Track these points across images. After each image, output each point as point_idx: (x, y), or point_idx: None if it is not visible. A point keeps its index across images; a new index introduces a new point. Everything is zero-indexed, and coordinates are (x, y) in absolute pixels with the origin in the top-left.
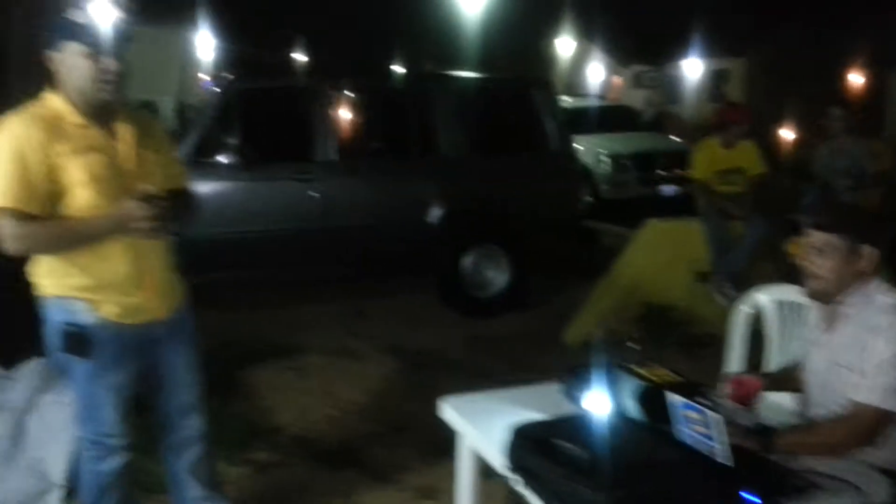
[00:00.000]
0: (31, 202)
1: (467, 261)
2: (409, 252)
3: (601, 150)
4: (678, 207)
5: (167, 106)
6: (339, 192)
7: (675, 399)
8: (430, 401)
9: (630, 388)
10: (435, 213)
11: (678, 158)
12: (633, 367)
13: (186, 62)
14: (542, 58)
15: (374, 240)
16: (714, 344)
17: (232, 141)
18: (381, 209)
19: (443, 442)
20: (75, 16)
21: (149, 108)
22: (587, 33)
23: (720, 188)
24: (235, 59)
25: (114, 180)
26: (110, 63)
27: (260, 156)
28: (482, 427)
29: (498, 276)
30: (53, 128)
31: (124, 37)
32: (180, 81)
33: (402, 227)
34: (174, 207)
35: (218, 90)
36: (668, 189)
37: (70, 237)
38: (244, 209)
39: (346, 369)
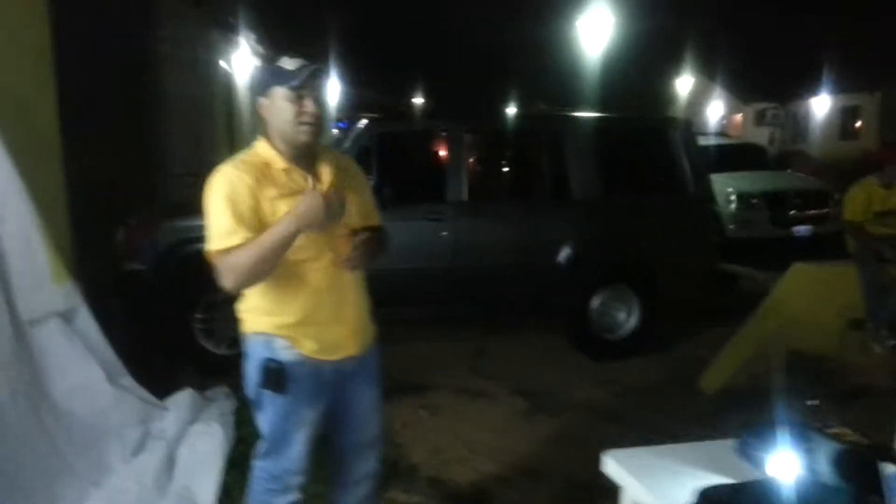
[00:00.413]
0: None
1: (596, 302)
2: (538, 292)
3: (729, 189)
4: (812, 249)
5: None
6: (469, 233)
7: (891, 469)
8: (564, 447)
9: (823, 450)
10: (565, 254)
11: (811, 198)
12: (820, 425)
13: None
14: (661, 96)
15: (504, 280)
16: (869, 395)
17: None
18: (511, 250)
19: (578, 491)
20: (282, 62)
21: None
22: (708, 71)
23: (877, 230)
24: (358, 102)
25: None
26: (310, 105)
27: (395, 195)
28: (652, 486)
29: (628, 319)
30: (262, 173)
31: (322, 82)
32: None
33: (532, 267)
34: (370, 242)
35: (357, 132)
36: (802, 230)
37: (264, 248)
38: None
39: (476, 409)
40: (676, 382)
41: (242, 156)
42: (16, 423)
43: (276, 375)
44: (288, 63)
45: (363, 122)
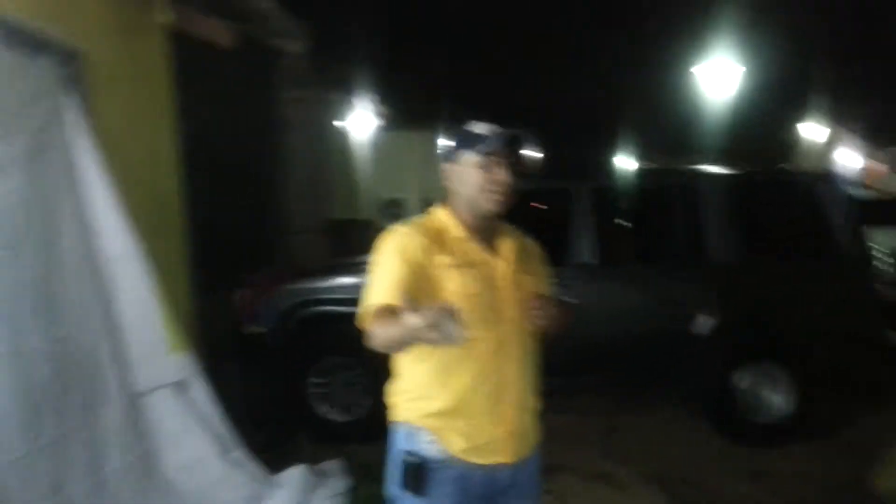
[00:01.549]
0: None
1: (740, 379)
2: (672, 366)
3: (880, 248)
4: None
5: (413, 203)
6: (595, 299)
7: None
8: None
9: None
10: (703, 324)
11: None
12: None
13: (429, 161)
14: (788, 145)
15: (634, 351)
16: None
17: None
18: (643, 317)
19: None
20: (474, 127)
21: (395, 204)
22: (838, 117)
23: None
24: None
25: (486, 298)
26: (502, 174)
27: None
28: None
29: (777, 398)
30: (437, 240)
31: (515, 149)
32: (425, 181)
33: (666, 337)
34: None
35: None
36: None
37: (396, 330)
38: None
39: (608, 500)
40: (841, 478)
41: (419, 220)
42: (127, 498)
43: (414, 472)
44: (479, 128)
45: None
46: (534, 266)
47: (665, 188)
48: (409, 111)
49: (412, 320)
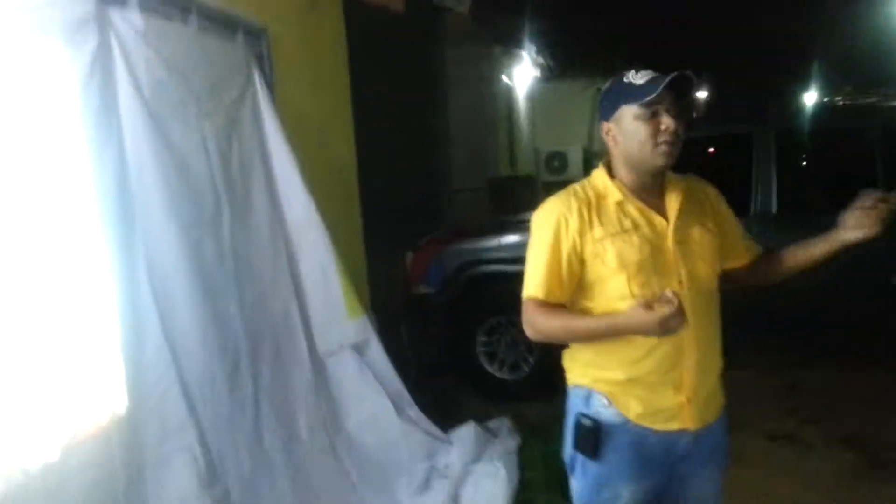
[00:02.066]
0: (557, 293)
1: None
2: (867, 318)
3: None
4: None
5: (576, 155)
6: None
7: None
8: None
9: None
10: None
11: None
12: None
13: (592, 113)
14: None
15: (825, 304)
16: None
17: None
18: (832, 267)
19: None
20: (629, 77)
21: (557, 158)
22: None
23: None
24: None
25: (651, 264)
26: (670, 123)
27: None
28: None
29: None
30: (592, 209)
31: (681, 93)
32: (588, 132)
33: (861, 287)
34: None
35: None
36: None
37: (584, 334)
38: None
39: (796, 462)
40: None
41: (577, 187)
42: (314, 457)
43: (589, 435)
44: (636, 77)
45: None
46: (707, 211)
47: (856, 127)
48: (570, 61)
49: (635, 318)
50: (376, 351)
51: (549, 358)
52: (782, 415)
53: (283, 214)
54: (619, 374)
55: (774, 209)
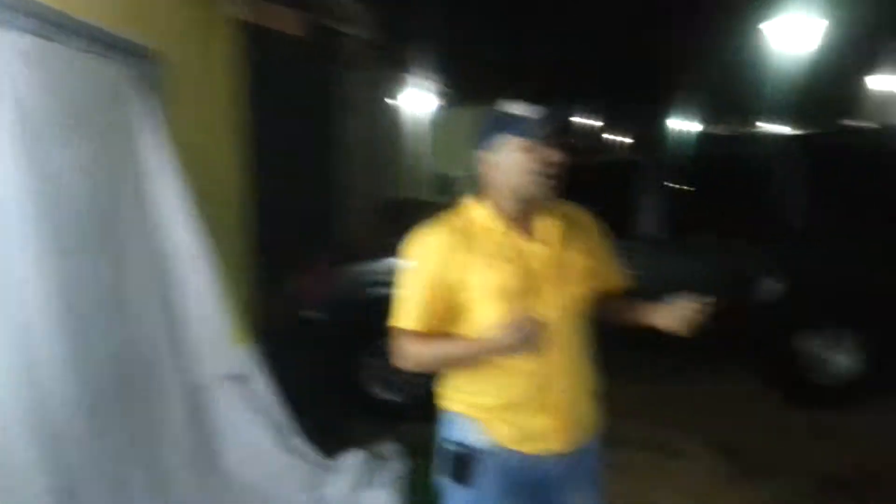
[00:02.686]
0: (433, 324)
1: (808, 341)
2: (740, 330)
3: None
4: None
5: (469, 180)
6: (660, 271)
7: None
8: None
9: None
10: (771, 287)
11: None
12: None
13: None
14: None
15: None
16: None
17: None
18: (710, 284)
19: None
20: (510, 108)
21: (451, 182)
22: None
23: None
24: None
25: (525, 291)
26: (551, 155)
27: None
28: None
29: (845, 360)
30: (467, 237)
31: (562, 126)
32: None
33: (734, 302)
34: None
35: None
36: None
37: (457, 360)
38: None
39: (670, 469)
40: None
41: (450, 216)
42: (188, 500)
43: (461, 461)
44: (520, 108)
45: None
46: (585, 238)
47: (741, 154)
48: (467, 88)
49: (497, 337)
50: (260, 381)
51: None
52: (656, 425)
53: (164, 240)
54: (490, 400)
55: (660, 232)
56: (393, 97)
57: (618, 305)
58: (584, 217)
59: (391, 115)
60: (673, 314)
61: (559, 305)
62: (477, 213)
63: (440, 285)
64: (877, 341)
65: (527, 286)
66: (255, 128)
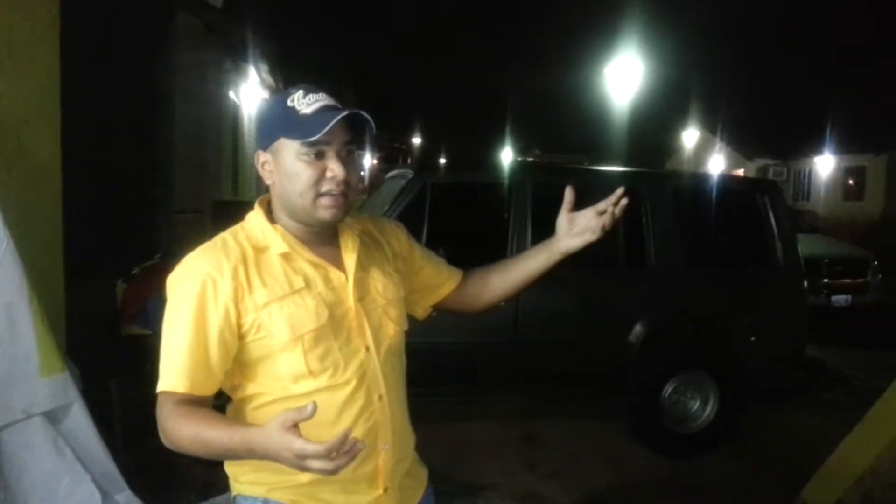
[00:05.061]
0: (205, 383)
1: (668, 388)
2: (605, 374)
3: None
4: (851, 321)
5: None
6: (532, 303)
7: None
8: None
9: None
10: (638, 332)
11: (850, 265)
12: None
13: None
14: (666, 148)
15: (567, 358)
16: None
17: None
18: (578, 324)
19: None
20: (295, 100)
21: None
22: (711, 125)
23: None
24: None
25: (331, 330)
26: (338, 169)
27: (447, 257)
28: None
29: (703, 408)
30: (251, 267)
31: (359, 136)
32: None
33: (601, 345)
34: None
35: (400, 183)
36: (840, 299)
37: (220, 451)
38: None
39: None
40: (768, 492)
41: (227, 237)
42: None
43: None
44: (302, 103)
45: (400, 171)
46: (388, 254)
47: (606, 189)
48: (299, 84)
49: (278, 440)
50: (78, 419)
51: None
52: (524, 470)
53: None
54: (301, 476)
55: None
56: (225, 88)
57: (497, 276)
58: (389, 227)
59: (223, 108)
60: (577, 229)
61: (374, 343)
62: (263, 232)
63: (219, 330)
64: (730, 388)
65: (334, 324)
66: (72, 104)
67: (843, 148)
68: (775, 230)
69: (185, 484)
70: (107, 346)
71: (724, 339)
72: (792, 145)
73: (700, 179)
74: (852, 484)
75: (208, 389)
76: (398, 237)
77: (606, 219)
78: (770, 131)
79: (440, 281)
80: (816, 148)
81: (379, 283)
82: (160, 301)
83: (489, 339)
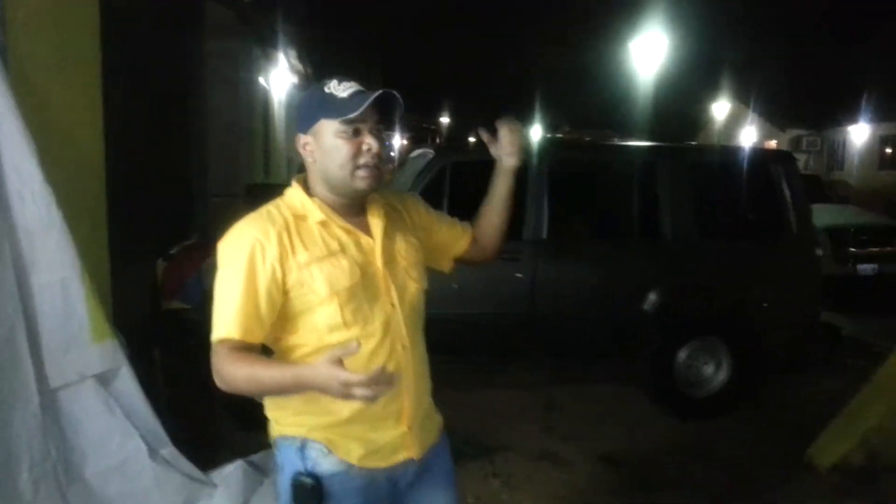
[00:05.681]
0: (256, 331)
1: (682, 354)
2: (619, 342)
3: None
4: (878, 289)
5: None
6: (548, 275)
7: None
8: None
9: None
10: (652, 301)
11: (877, 234)
12: None
13: None
14: (697, 121)
15: (584, 328)
16: None
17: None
18: (594, 294)
19: None
20: (331, 88)
21: None
22: (743, 96)
23: None
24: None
25: (362, 288)
26: (373, 144)
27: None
28: None
29: (718, 373)
30: (292, 232)
31: (389, 116)
32: None
33: (616, 314)
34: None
35: (422, 162)
36: (867, 268)
37: (271, 386)
38: (445, 288)
39: (557, 481)
40: (780, 453)
41: (270, 208)
42: None
43: (310, 493)
44: (338, 89)
45: (423, 151)
46: (408, 224)
47: (623, 163)
48: (328, 70)
49: (325, 373)
50: (126, 381)
51: None
52: (541, 434)
53: (13, 215)
54: (334, 417)
55: (545, 236)
56: (255, 75)
57: (484, 221)
58: (407, 199)
59: (254, 94)
60: (503, 149)
61: (399, 301)
62: (302, 203)
63: (267, 286)
64: (743, 355)
65: (365, 283)
66: (112, 93)
67: (878, 116)
68: (789, 201)
69: (225, 446)
70: (149, 319)
71: (736, 307)
72: (825, 115)
73: (715, 153)
74: (858, 442)
75: (258, 338)
76: (416, 207)
77: (511, 139)
78: (803, 101)
79: (456, 237)
80: (851, 117)
81: (402, 247)
82: (198, 278)
83: (509, 310)
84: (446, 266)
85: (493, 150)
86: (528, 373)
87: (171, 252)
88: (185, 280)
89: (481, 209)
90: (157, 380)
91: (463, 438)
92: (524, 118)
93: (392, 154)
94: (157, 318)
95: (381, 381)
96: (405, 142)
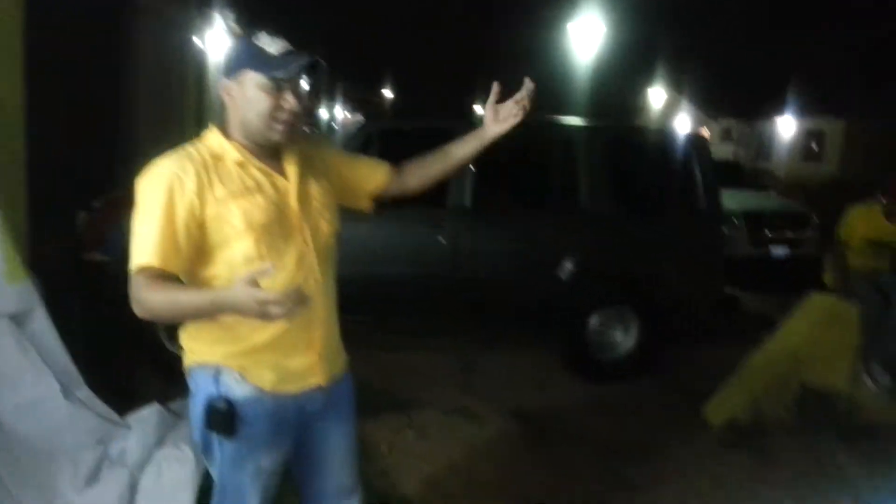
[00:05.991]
0: (174, 261)
1: (594, 321)
2: (536, 307)
3: None
4: (789, 271)
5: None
6: (468, 241)
7: None
8: (569, 481)
9: None
10: (567, 269)
11: (791, 220)
12: None
13: None
14: (632, 106)
15: (501, 293)
16: (876, 436)
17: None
18: (512, 261)
19: None
20: (262, 42)
21: None
22: (678, 84)
23: (861, 260)
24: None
25: (277, 225)
26: (293, 102)
27: (389, 198)
28: None
29: (626, 339)
30: (210, 170)
31: (313, 77)
32: None
33: (532, 281)
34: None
35: (351, 128)
36: (780, 251)
37: (190, 310)
38: (369, 251)
39: (468, 433)
40: (679, 411)
41: (189, 147)
42: None
43: (223, 416)
44: (268, 43)
45: (353, 117)
46: (320, 168)
47: (544, 138)
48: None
49: (242, 293)
50: (41, 322)
51: None
52: (458, 393)
53: None
54: (250, 343)
55: (468, 204)
56: (189, 32)
57: (436, 161)
58: (319, 145)
59: (187, 51)
60: (501, 116)
61: (311, 239)
62: (220, 144)
63: (185, 218)
64: (649, 322)
65: (280, 220)
66: (36, 34)
67: (805, 110)
68: (699, 181)
69: (145, 397)
70: (70, 270)
71: (646, 278)
72: (755, 106)
73: (632, 132)
74: (747, 402)
75: (176, 267)
76: (329, 150)
77: (526, 103)
78: (734, 92)
79: (371, 172)
80: (779, 110)
81: (315, 190)
82: (120, 231)
83: (431, 272)
84: (364, 204)
85: (489, 111)
86: (450, 338)
87: (94, 205)
88: (106, 232)
89: (443, 151)
90: (76, 330)
91: (382, 394)
92: (469, 95)
93: (311, 113)
94: (79, 269)
95: (296, 300)
96: (347, 115)
